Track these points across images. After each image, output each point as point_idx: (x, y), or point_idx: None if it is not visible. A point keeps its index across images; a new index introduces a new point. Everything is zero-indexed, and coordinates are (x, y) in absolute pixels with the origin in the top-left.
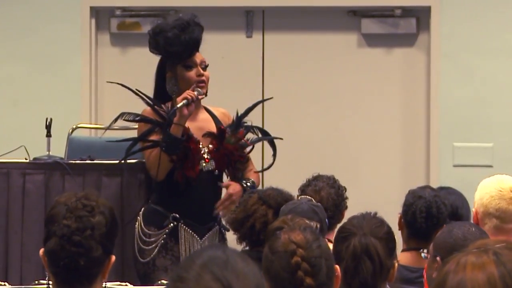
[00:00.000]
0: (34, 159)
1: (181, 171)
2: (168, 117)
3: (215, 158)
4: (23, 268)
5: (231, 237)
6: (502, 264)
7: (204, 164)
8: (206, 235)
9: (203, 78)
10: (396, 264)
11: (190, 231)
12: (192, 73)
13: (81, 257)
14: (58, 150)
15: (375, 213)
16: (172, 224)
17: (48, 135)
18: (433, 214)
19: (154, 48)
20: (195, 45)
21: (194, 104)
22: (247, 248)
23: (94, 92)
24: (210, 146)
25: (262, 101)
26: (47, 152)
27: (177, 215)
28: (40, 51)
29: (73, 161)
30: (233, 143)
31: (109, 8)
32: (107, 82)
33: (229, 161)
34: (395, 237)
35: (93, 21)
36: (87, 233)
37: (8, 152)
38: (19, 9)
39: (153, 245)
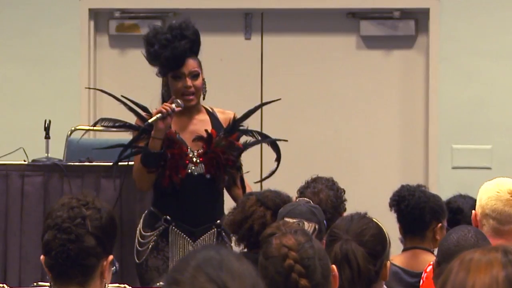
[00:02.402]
0: (33, 161)
1: (165, 176)
2: (143, 129)
3: (204, 162)
4: (21, 270)
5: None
6: (510, 263)
7: (193, 167)
8: (201, 238)
9: (191, 90)
10: (389, 263)
11: (182, 233)
12: (179, 84)
13: (71, 243)
14: (57, 152)
15: (365, 214)
16: (163, 226)
17: (47, 137)
18: (403, 195)
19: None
20: (178, 61)
21: (171, 117)
22: (245, 250)
23: (93, 94)
24: (201, 149)
25: (264, 104)
26: (46, 154)
27: (169, 218)
28: (39, 53)
29: (72, 163)
30: (222, 146)
31: (108, 10)
32: (86, 88)
33: (217, 165)
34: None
35: (92, 23)
36: (77, 221)
37: (7, 154)
38: (18, 11)
39: (146, 246)
